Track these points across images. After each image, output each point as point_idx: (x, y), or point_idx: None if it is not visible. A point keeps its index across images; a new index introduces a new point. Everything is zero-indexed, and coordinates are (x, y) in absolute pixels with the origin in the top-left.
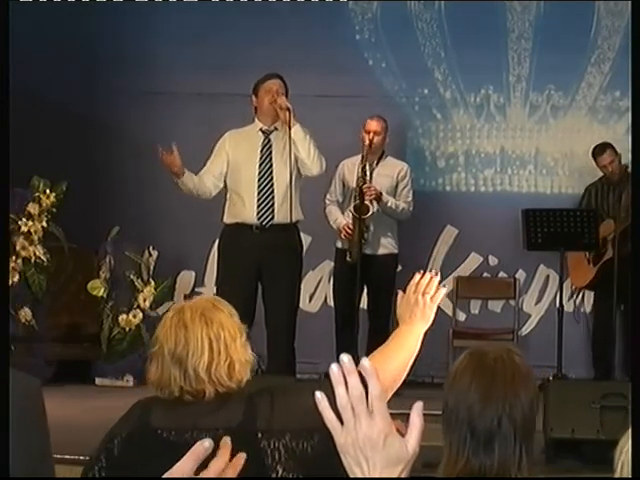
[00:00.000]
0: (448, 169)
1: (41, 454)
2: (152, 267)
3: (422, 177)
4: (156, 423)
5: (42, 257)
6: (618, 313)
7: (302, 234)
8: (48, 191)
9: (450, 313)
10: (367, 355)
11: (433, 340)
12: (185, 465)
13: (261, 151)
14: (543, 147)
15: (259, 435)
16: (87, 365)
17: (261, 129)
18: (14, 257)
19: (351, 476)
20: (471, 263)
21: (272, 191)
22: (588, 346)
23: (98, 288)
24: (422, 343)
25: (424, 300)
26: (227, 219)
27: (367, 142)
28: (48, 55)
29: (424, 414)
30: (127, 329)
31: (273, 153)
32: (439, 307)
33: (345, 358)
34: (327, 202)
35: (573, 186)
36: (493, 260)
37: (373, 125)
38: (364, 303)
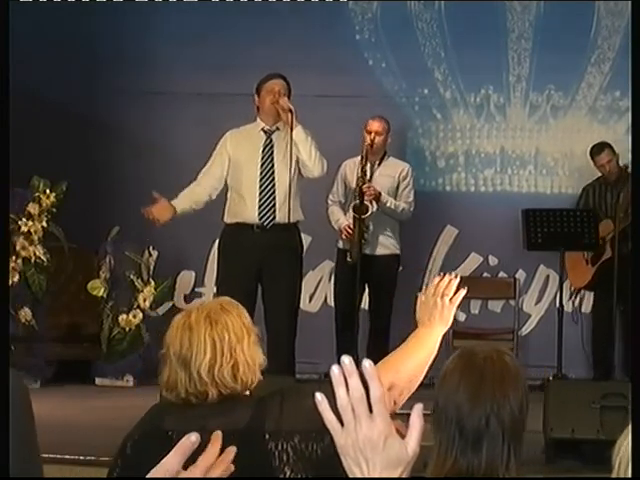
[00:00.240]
0: (448, 169)
1: (28, 454)
2: (152, 267)
3: (422, 177)
4: (167, 425)
5: (42, 257)
6: (617, 313)
7: (302, 234)
8: (48, 191)
9: None
10: (367, 355)
11: None
12: (172, 460)
13: (263, 151)
14: (543, 147)
15: (266, 437)
16: (87, 365)
17: (263, 129)
18: (14, 257)
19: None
20: (471, 263)
21: (273, 191)
22: (588, 346)
23: (98, 288)
24: None
25: (443, 302)
26: (228, 219)
27: (368, 142)
28: (48, 55)
29: (424, 414)
30: (127, 329)
31: (275, 153)
32: None
33: (346, 359)
34: (329, 203)
35: (573, 186)
36: (493, 260)
37: (375, 125)
38: (365, 303)
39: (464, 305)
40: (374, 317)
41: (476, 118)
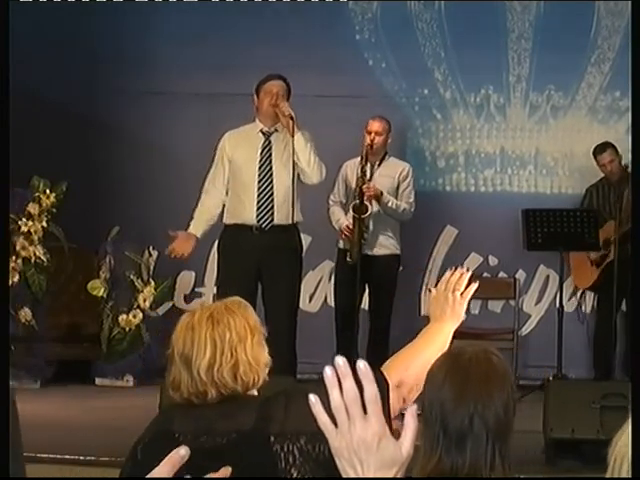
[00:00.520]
0: (448, 169)
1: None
2: (152, 267)
3: (422, 177)
4: (175, 427)
5: (42, 257)
6: (620, 314)
7: (302, 234)
8: (48, 191)
9: None
10: (367, 355)
11: None
12: (162, 470)
13: (261, 153)
14: (543, 147)
15: (272, 439)
16: (87, 365)
17: (261, 130)
18: (14, 257)
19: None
20: (471, 263)
21: (272, 192)
22: (588, 346)
23: (98, 288)
24: None
25: (454, 297)
26: (227, 220)
27: (368, 142)
28: (48, 55)
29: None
30: (127, 329)
31: (273, 155)
32: None
33: (340, 360)
34: (331, 203)
35: (573, 186)
36: (493, 260)
37: (375, 126)
38: (365, 303)
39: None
40: (374, 317)
41: (476, 118)
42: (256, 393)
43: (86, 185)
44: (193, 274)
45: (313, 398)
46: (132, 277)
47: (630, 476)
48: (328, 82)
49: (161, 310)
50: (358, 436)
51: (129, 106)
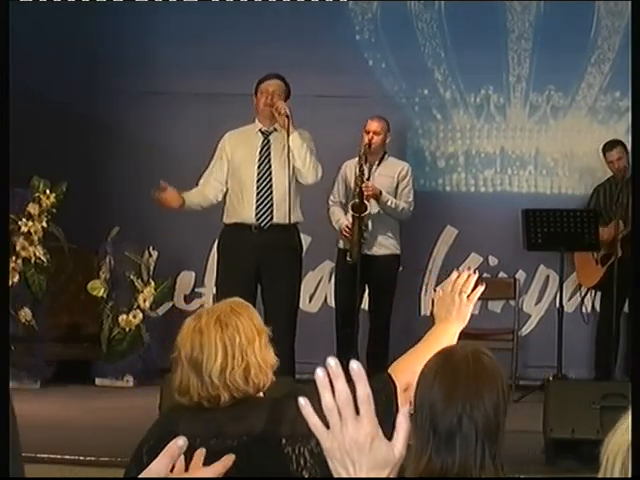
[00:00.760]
0: (448, 169)
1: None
2: (152, 267)
3: (422, 177)
4: (182, 430)
5: (42, 257)
6: (623, 315)
7: (302, 234)
8: (48, 191)
9: None
10: (367, 355)
11: None
12: (160, 464)
13: (260, 152)
14: (543, 147)
15: (283, 441)
16: (87, 365)
17: (260, 130)
18: (14, 257)
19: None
20: (471, 263)
21: (271, 192)
22: (588, 346)
23: (98, 288)
24: None
25: (461, 299)
26: (226, 219)
27: (366, 142)
28: (48, 55)
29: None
30: (127, 329)
31: (272, 154)
32: None
33: (331, 361)
34: (330, 203)
35: (573, 186)
36: (493, 260)
37: (373, 125)
38: (365, 303)
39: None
40: (374, 317)
41: (476, 118)
42: (262, 394)
43: (86, 185)
44: (193, 274)
45: (302, 400)
46: (132, 277)
47: (623, 475)
48: (328, 82)
49: (161, 310)
50: (350, 437)
51: (129, 106)
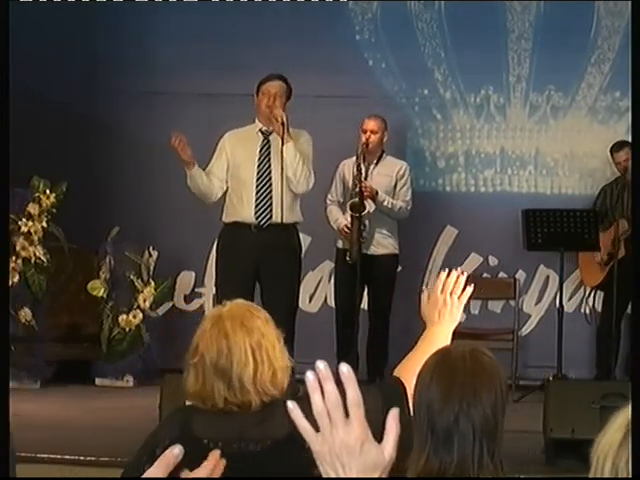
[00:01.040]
0: (448, 169)
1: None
2: (152, 267)
3: (422, 177)
4: (201, 433)
5: (42, 257)
6: (625, 316)
7: (302, 234)
8: (48, 191)
9: None
10: (367, 355)
11: None
12: (156, 471)
13: (260, 152)
14: (543, 147)
15: (307, 445)
16: (87, 365)
17: (260, 130)
18: (14, 257)
19: None
20: (471, 263)
21: (270, 192)
22: (588, 346)
23: (98, 288)
24: None
25: (452, 300)
26: (226, 218)
27: (363, 141)
28: (48, 55)
29: None
30: (127, 329)
31: (272, 154)
32: None
33: (320, 365)
34: (328, 202)
35: (573, 186)
36: (493, 260)
37: (370, 124)
38: (364, 303)
39: (464, 305)
40: (373, 317)
41: (476, 118)
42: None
43: (86, 185)
44: (193, 274)
45: (291, 404)
46: (132, 277)
47: (613, 475)
48: (328, 82)
49: (161, 310)
50: (340, 440)
51: (129, 106)
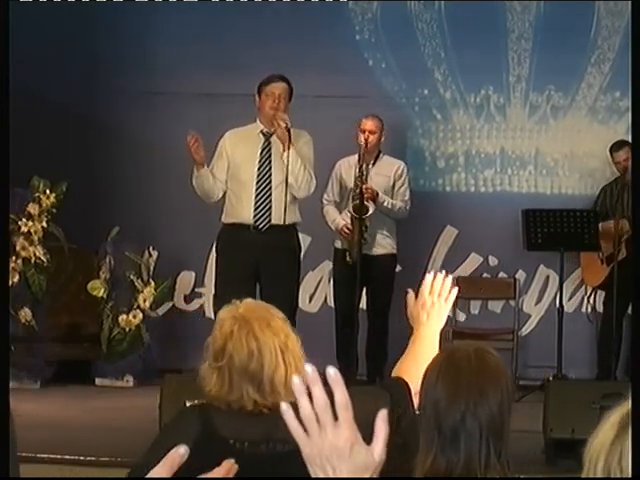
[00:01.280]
0: (448, 169)
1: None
2: (152, 267)
3: (422, 177)
4: (226, 433)
5: (42, 257)
6: (627, 316)
7: (302, 234)
8: (48, 191)
9: (450, 313)
10: (367, 355)
11: None
12: (160, 471)
13: (260, 153)
14: (543, 147)
15: None
16: (87, 365)
17: (262, 131)
18: (14, 257)
19: None
20: (471, 263)
21: (269, 194)
22: (588, 346)
23: (98, 288)
24: None
25: (440, 302)
26: (225, 219)
27: (363, 141)
28: (48, 55)
29: None
30: (127, 329)
31: (272, 156)
32: None
33: (308, 368)
34: (324, 202)
35: (573, 186)
36: (493, 260)
37: (368, 124)
38: (363, 303)
39: (464, 305)
40: (372, 317)
41: (476, 118)
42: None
43: (86, 185)
44: (193, 274)
45: (284, 405)
46: (132, 277)
47: (605, 475)
48: (328, 82)
49: (161, 310)
50: (330, 443)
51: (129, 106)
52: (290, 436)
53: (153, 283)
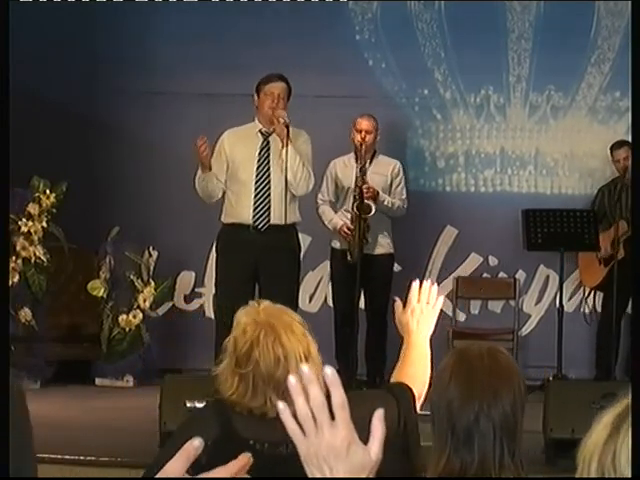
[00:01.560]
0: (448, 169)
1: (22, 454)
2: (152, 267)
3: (422, 177)
4: (246, 434)
5: (42, 257)
6: (626, 316)
7: (302, 234)
8: (48, 191)
9: (450, 313)
10: (366, 355)
11: (433, 341)
12: (176, 465)
13: (259, 153)
14: (543, 147)
15: None
16: (87, 365)
17: (260, 130)
18: (14, 257)
19: None
20: (471, 263)
21: (269, 193)
22: (588, 346)
23: (98, 288)
24: None
25: (428, 309)
26: (225, 219)
27: (359, 140)
28: (48, 55)
29: (424, 415)
30: (127, 329)
31: (271, 156)
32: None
33: (304, 368)
34: (319, 202)
35: (573, 186)
36: (493, 260)
37: (364, 124)
38: (362, 303)
39: (464, 305)
40: (371, 316)
41: (476, 118)
42: None
43: (86, 185)
44: (193, 274)
45: (281, 405)
46: (132, 277)
47: (599, 475)
48: (328, 82)
49: (161, 310)
50: (327, 443)
51: (129, 106)
52: None
53: (153, 283)
